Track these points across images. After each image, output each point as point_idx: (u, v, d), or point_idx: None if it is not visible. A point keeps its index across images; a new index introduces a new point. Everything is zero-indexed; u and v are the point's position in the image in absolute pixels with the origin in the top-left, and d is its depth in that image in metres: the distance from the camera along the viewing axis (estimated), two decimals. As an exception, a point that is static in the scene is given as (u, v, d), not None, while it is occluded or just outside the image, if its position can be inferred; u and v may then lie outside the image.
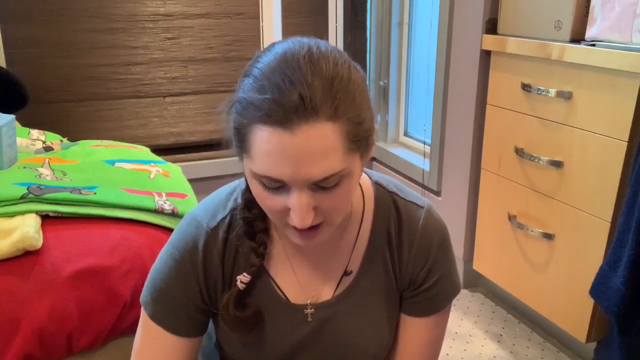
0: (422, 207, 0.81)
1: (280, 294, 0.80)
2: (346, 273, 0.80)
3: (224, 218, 0.78)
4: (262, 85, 0.61)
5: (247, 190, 0.76)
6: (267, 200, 0.66)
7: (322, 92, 0.59)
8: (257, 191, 0.67)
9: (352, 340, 0.81)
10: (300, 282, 0.80)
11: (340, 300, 0.80)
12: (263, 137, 0.61)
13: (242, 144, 0.65)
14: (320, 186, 0.64)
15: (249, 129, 0.62)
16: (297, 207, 0.64)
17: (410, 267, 0.80)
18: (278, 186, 0.64)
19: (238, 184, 0.81)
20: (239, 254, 0.78)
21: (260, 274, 0.79)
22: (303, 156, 0.60)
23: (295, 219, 0.64)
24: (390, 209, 0.80)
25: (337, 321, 0.81)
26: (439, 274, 0.81)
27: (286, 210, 0.66)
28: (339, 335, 0.81)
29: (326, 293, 0.80)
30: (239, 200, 0.78)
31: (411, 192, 0.83)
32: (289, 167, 0.61)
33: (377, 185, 0.82)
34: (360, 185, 0.81)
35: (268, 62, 0.62)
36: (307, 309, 0.80)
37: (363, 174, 0.82)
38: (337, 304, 0.80)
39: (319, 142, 0.60)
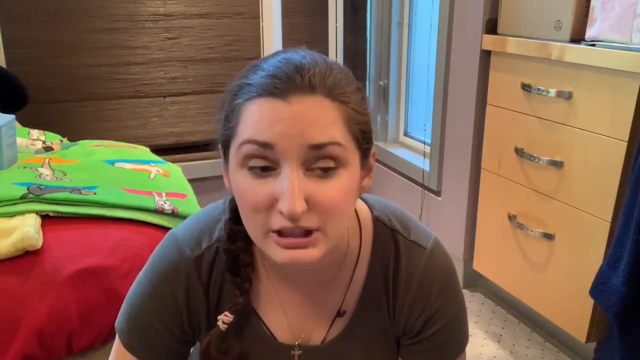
0: (425, 249, 0.72)
1: (268, 332, 0.74)
2: (339, 314, 0.73)
3: (210, 247, 0.71)
4: (260, 69, 0.60)
5: (231, 220, 0.70)
6: (252, 193, 0.58)
7: (320, 73, 0.58)
8: (242, 184, 0.59)
9: None
10: (289, 322, 0.74)
11: (332, 345, 0.74)
12: (255, 107, 0.57)
13: (228, 128, 0.60)
14: (314, 170, 0.57)
15: (241, 107, 0.59)
16: (285, 186, 0.55)
17: (404, 314, 0.73)
18: (266, 165, 0.57)
19: (224, 208, 0.74)
20: (224, 288, 0.72)
21: (246, 312, 0.73)
22: (298, 120, 0.56)
23: (284, 205, 0.55)
24: (390, 250, 0.73)
25: None
26: (442, 322, 0.73)
27: (273, 204, 0.57)
28: None
29: (317, 335, 0.74)
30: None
31: (416, 229, 0.75)
32: (281, 127, 0.55)
33: (378, 221, 0.74)
34: (358, 220, 0.74)
35: (270, 59, 0.62)
36: (294, 350, 0.74)
37: (364, 206, 0.76)
38: (329, 349, 0.74)
39: (316, 112, 0.56)
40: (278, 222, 0.58)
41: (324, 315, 0.74)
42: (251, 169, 0.58)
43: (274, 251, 0.60)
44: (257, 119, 0.57)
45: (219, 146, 0.65)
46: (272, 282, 0.73)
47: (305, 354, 0.74)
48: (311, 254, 0.59)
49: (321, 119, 0.57)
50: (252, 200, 0.58)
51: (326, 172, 0.58)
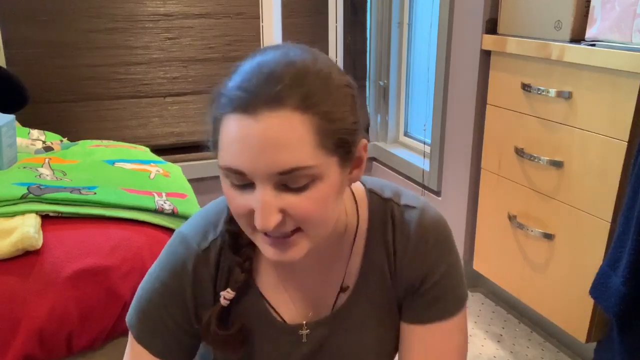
0: (416, 208, 0.75)
1: (275, 314, 0.76)
2: (342, 289, 0.75)
3: (215, 239, 0.74)
4: (235, 77, 0.61)
5: None
6: (234, 202, 0.62)
7: (290, 82, 0.57)
8: (226, 190, 0.63)
9: (352, 356, 0.77)
10: (294, 301, 0.76)
11: (336, 318, 0.76)
12: (229, 126, 0.59)
13: (214, 139, 0.63)
14: (288, 186, 0.59)
15: (221, 121, 0.61)
16: (258, 205, 0.59)
17: (405, 273, 0.75)
18: (243, 183, 0.60)
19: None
20: (231, 276, 0.74)
21: (252, 293, 0.75)
22: (265, 144, 0.56)
23: (257, 219, 0.59)
24: (386, 217, 0.75)
25: (335, 340, 0.77)
26: (438, 275, 0.74)
27: (251, 214, 0.61)
28: (339, 352, 0.77)
29: (323, 311, 0.76)
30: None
31: (408, 195, 0.77)
32: (249, 155, 0.57)
33: (371, 193, 0.76)
34: (353, 196, 0.76)
35: (249, 61, 0.62)
36: (302, 330, 0.76)
37: (357, 182, 0.77)
38: (334, 322, 0.76)
39: (284, 131, 0.56)
40: (256, 226, 0.61)
41: (328, 291, 0.76)
42: (232, 182, 0.62)
43: (262, 247, 0.65)
44: (230, 142, 0.59)
45: (210, 144, 0.68)
46: (275, 264, 0.75)
47: (313, 330, 0.76)
48: (293, 253, 0.63)
49: (288, 140, 0.56)
50: (234, 208, 0.63)
51: (299, 187, 0.59)
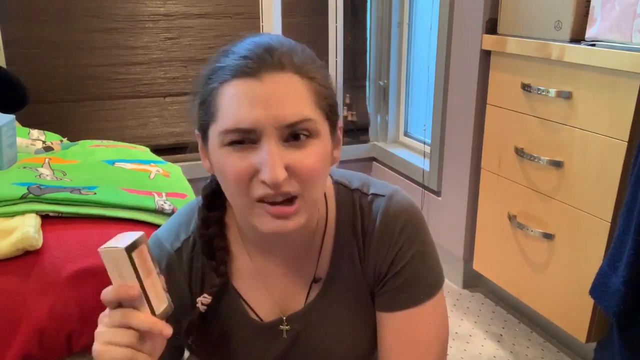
0: (384, 196, 0.75)
1: (253, 314, 0.77)
2: (315, 280, 0.76)
3: (188, 238, 0.76)
4: (231, 53, 0.65)
5: (205, 207, 0.75)
6: (235, 167, 0.63)
7: (288, 52, 0.64)
8: (224, 160, 0.64)
9: (329, 347, 0.78)
10: (273, 296, 0.77)
11: (311, 309, 0.77)
12: (231, 92, 0.62)
13: (208, 114, 0.65)
14: (292, 138, 0.62)
15: (217, 92, 0.64)
16: (266, 157, 0.61)
17: (374, 262, 0.75)
18: (248, 142, 0.62)
19: (197, 202, 0.79)
20: (206, 276, 0.75)
21: (229, 293, 0.76)
22: (273, 99, 0.61)
23: (266, 173, 0.60)
24: (355, 208, 0.76)
25: (311, 330, 0.78)
26: (405, 262, 0.73)
27: (254, 174, 0.62)
28: (315, 344, 0.78)
29: (297, 303, 0.77)
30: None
31: (377, 184, 0.78)
32: (259, 110, 0.61)
33: (338, 185, 0.78)
34: None
35: (237, 44, 0.66)
36: (282, 325, 0.77)
37: None
38: (309, 313, 0.77)
39: (288, 88, 0.62)
40: (260, 190, 0.63)
41: (301, 284, 0.77)
42: (233, 145, 0.63)
43: (262, 221, 0.65)
44: (235, 104, 0.62)
45: (196, 131, 0.70)
46: (254, 261, 0.77)
47: (292, 327, 0.77)
48: (295, 221, 0.65)
49: (292, 97, 0.62)
50: (235, 171, 0.63)
51: (301, 142, 0.63)
